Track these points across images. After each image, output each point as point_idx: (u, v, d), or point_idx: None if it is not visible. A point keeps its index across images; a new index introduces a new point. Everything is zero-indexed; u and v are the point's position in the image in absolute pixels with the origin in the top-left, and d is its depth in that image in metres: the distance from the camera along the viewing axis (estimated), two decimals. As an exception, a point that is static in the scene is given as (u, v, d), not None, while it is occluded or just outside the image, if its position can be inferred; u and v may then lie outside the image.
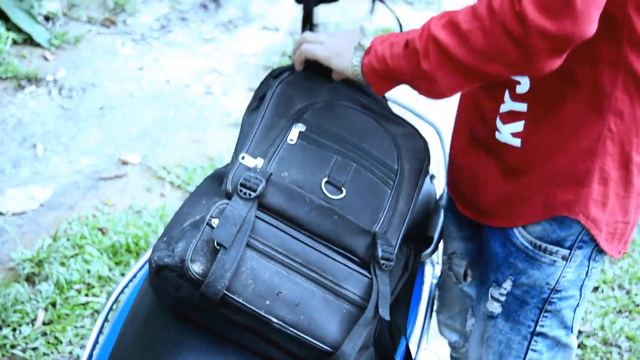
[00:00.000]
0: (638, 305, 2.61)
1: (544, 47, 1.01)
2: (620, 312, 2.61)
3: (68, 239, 2.63)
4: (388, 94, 1.42)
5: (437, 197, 1.65)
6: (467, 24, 1.08)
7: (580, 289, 1.35)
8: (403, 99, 1.65)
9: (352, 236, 1.19)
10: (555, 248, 1.30)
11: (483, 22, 1.06)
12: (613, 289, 2.68)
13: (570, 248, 1.29)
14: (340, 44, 1.29)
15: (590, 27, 1.00)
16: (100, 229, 2.69)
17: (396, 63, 1.18)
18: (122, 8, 4.06)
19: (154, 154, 3.14)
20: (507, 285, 1.37)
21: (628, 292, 2.68)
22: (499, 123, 1.30)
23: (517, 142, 1.28)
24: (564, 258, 1.30)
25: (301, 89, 1.34)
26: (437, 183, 1.72)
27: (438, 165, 1.77)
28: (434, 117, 1.64)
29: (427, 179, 1.62)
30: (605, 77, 1.18)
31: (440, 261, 1.72)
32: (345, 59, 1.26)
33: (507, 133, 1.29)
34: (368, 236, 1.20)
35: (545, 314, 1.36)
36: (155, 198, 2.91)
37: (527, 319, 1.38)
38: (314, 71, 1.37)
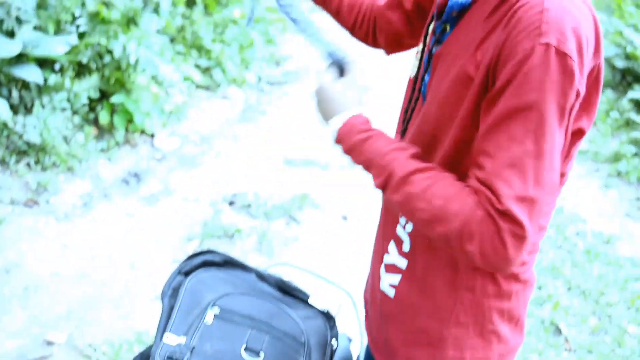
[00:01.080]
0: None
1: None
2: None
3: None
4: (302, 264, 1.59)
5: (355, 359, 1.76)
6: (419, 212, 1.22)
7: None
8: (317, 269, 1.78)
9: None
10: None
11: (430, 221, 1.21)
12: None
13: None
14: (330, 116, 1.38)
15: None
16: (27, 413, 2.66)
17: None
18: (44, 188, 4.16)
19: (81, 332, 3.15)
20: None
21: None
22: (382, 270, 1.45)
23: (392, 293, 1.43)
24: None
25: (209, 285, 1.52)
26: (354, 346, 1.83)
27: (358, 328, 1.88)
28: (346, 284, 1.77)
29: (346, 341, 1.74)
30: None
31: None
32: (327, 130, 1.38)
33: (387, 283, 1.44)
34: None
35: None
36: (83, 376, 2.91)
37: None
38: None
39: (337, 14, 1.76)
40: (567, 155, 1.28)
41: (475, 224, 1.15)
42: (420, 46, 1.43)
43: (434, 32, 1.37)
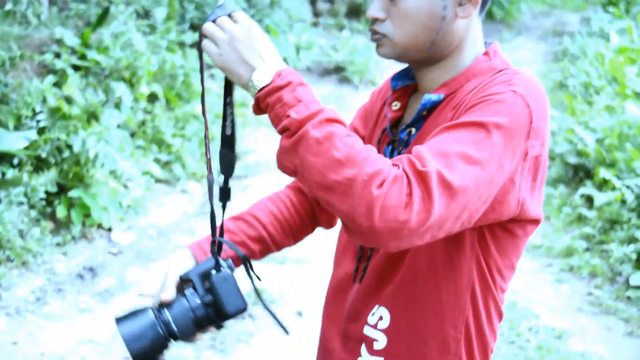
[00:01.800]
0: None
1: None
2: None
3: None
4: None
5: None
6: (334, 151, 1.16)
7: None
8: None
9: None
10: None
11: (342, 163, 1.15)
12: None
13: None
14: (238, 59, 1.26)
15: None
16: None
17: (274, 114, 1.24)
18: (-3, 283, 4.12)
19: None
20: None
21: None
22: None
23: None
24: None
25: None
26: None
27: None
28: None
29: None
30: (452, 340, 1.40)
31: None
32: (242, 78, 1.26)
33: None
34: None
35: None
36: None
37: None
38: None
39: (278, 248, 1.67)
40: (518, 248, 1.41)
41: (389, 175, 1.13)
42: None
43: (396, 140, 1.46)
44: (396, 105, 1.48)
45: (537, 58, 12.38)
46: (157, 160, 5.72)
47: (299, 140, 1.19)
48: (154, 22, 7.01)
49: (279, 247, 1.65)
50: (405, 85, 1.49)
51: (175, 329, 1.36)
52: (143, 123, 5.86)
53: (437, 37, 1.36)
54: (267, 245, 1.62)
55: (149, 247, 4.88)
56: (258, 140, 7.02)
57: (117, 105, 5.57)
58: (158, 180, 5.70)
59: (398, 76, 1.50)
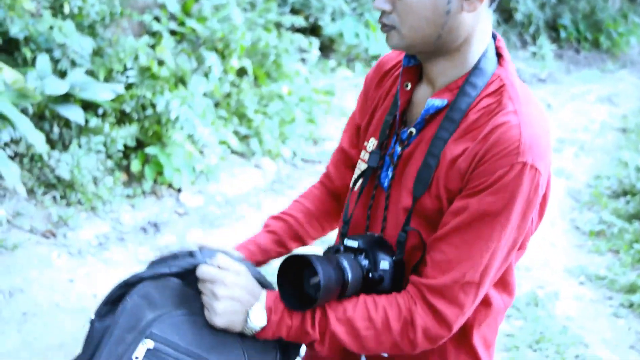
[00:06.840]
0: None
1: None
2: None
3: None
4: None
5: None
6: (364, 331, 1.36)
7: None
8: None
9: None
10: None
11: (378, 334, 1.36)
12: None
13: None
14: (235, 307, 1.36)
15: None
16: None
17: (292, 338, 1.38)
18: (64, 222, 4.30)
19: (66, 364, 3.22)
20: None
21: None
22: None
23: None
24: None
25: (154, 300, 1.37)
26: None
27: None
28: None
29: None
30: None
31: None
32: (237, 324, 1.36)
33: None
34: None
35: None
36: (59, 407, 2.96)
37: None
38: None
39: (313, 239, 1.79)
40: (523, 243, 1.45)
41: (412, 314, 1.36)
42: (375, 142, 1.54)
43: (397, 135, 1.48)
44: (407, 86, 1.48)
45: (636, 93, 12.04)
46: (235, 133, 5.84)
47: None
48: (255, 1, 7.14)
49: (313, 239, 1.79)
50: (416, 64, 1.48)
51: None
52: (228, 95, 5.98)
53: (443, 31, 1.36)
54: (304, 241, 1.76)
55: (214, 213, 5.00)
56: (338, 129, 7.06)
57: (206, 75, 5.71)
58: (234, 152, 5.82)
59: (410, 54, 1.48)
